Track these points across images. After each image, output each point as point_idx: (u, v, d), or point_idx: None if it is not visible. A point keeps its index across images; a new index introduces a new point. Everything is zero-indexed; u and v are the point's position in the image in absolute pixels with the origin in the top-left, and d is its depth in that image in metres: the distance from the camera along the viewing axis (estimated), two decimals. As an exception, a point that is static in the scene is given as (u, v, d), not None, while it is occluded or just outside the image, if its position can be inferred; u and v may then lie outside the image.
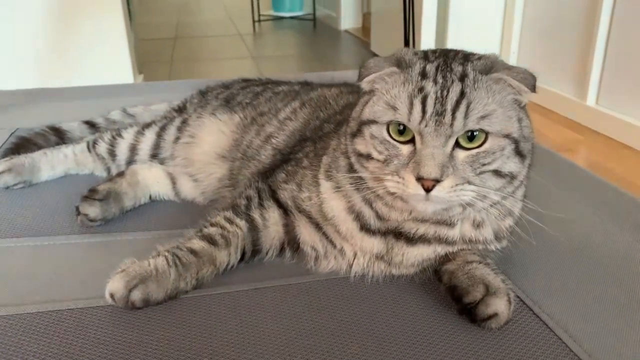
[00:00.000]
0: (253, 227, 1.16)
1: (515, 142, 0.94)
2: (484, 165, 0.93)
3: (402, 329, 1.00)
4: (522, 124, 0.96)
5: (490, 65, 0.94)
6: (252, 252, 1.16)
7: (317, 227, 1.14)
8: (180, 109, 1.72)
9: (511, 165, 0.96)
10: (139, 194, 1.44)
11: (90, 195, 1.34)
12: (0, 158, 1.58)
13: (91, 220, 1.33)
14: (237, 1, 6.95)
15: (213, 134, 1.48)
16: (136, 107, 1.93)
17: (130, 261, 1.04)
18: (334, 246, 1.14)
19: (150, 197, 1.47)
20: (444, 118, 0.90)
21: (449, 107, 0.90)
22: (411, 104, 0.92)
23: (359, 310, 1.04)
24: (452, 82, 0.92)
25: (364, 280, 1.12)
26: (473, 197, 0.93)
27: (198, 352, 0.93)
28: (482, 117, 0.91)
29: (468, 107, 0.90)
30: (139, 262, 1.03)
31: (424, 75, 0.94)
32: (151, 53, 4.19)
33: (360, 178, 1.03)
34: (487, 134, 0.92)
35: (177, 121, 1.55)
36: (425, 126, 0.91)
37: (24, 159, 1.55)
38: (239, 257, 1.14)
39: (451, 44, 3.08)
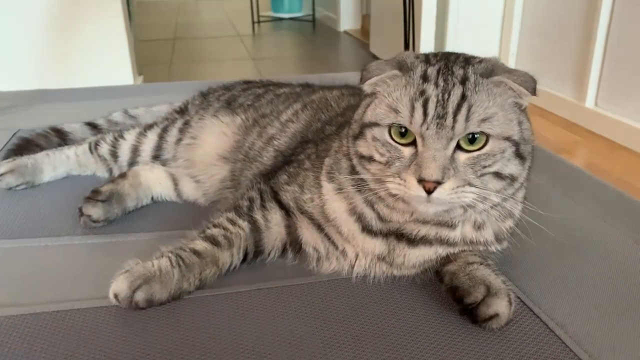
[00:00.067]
0: (255, 228, 1.17)
1: (516, 144, 0.95)
2: (484, 167, 0.94)
3: (403, 329, 1.00)
4: (522, 126, 0.97)
5: (491, 69, 0.95)
6: (254, 253, 1.17)
7: (319, 228, 1.15)
8: (182, 111, 1.72)
9: (512, 167, 0.97)
10: (141, 195, 1.45)
11: (93, 196, 1.35)
12: (3, 159, 1.58)
13: (94, 221, 1.33)
14: (237, 2, 6.95)
15: (215, 136, 1.48)
16: (138, 108, 1.93)
17: (134, 262, 1.05)
18: (336, 247, 1.15)
19: (152, 198, 1.48)
20: (445, 121, 0.91)
21: (450, 110, 0.91)
22: (413, 107, 0.92)
23: (361, 311, 1.05)
24: (454, 85, 0.92)
25: (365, 281, 1.13)
26: (474, 199, 0.94)
27: (201, 352, 0.94)
28: (483, 120, 0.92)
29: (469, 110, 0.91)
30: (143, 263, 1.04)
31: (425, 78, 0.95)
32: (151, 54, 4.19)
33: (362, 180, 1.04)
34: (488, 136, 0.93)
35: (179, 122, 1.55)
36: (427, 129, 0.91)
37: (26, 160, 1.55)
38: (241, 258, 1.15)
39: (451, 45, 3.09)
